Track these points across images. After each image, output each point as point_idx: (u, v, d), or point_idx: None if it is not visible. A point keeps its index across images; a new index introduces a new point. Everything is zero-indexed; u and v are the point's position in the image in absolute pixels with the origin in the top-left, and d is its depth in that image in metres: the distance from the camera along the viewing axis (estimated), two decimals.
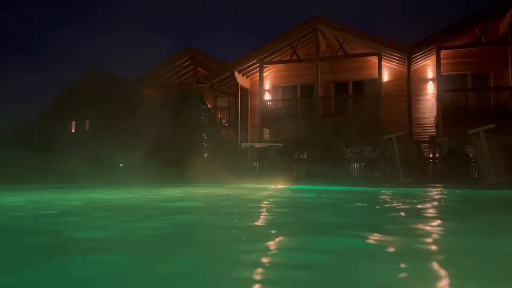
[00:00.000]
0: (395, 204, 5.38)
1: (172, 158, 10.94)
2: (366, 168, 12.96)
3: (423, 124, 18.47)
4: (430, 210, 4.52)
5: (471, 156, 15.33)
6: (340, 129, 12.12)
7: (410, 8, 55.64)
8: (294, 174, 10.80)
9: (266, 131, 19.77)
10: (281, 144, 12.80)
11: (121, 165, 20.19)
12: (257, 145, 13.80)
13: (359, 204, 5.37)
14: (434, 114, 18.20)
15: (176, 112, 12.66)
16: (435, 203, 5.63)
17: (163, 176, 10.77)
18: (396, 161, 10.98)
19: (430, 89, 18.51)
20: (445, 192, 8.35)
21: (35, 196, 6.42)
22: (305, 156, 12.42)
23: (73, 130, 24.43)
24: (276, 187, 9.77)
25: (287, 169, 10.69)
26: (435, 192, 8.21)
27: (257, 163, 13.53)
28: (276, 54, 19.38)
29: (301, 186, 9.96)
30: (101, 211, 4.14)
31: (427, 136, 18.32)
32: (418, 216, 3.86)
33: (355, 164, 13.31)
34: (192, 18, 75.72)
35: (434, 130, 18.01)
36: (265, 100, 19.64)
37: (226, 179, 10.45)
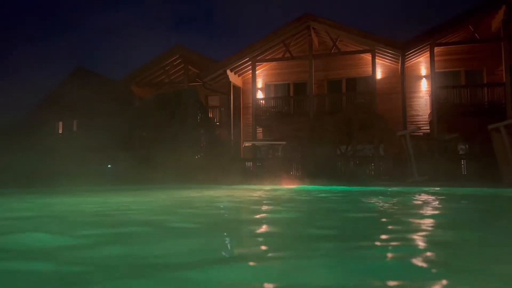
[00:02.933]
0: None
1: (167, 158, 10.60)
2: (368, 165, 12.73)
3: (416, 121, 18.38)
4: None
5: (461, 153, 15.29)
6: (342, 126, 11.89)
7: (403, 5, 55.93)
8: (300, 173, 10.51)
9: (259, 130, 19.49)
10: (284, 143, 12.50)
11: (109, 166, 19.75)
12: (259, 144, 13.46)
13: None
14: (428, 111, 18.13)
15: (170, 111, 12.28)
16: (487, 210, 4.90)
17: (159, 178, 10.40)
18: (410, 158, 10.77)
19: (424, 86, 18.45)
20: (477, 192, 7.89)
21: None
22: (305, 154, 12.10)
23: (60, 131, 23.86)
24: (283, 187, 9.37)
25: (292, 168, 10.40)
26: (466, 193, 7.63)
27: (259, 163, 13.13)
28: (268, 52, 19.12)
29: (316, 186, 9.53)
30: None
31: (421, 134, 18.26)
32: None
33: (359, 161, 13.06)
34: (183, 16, 75.20)
35: (428, 128, 17.94)
36: (258, 98, 19.37)
37: (227, 179, 10.11)
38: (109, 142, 15.32)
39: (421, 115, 18.44)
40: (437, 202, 5.58)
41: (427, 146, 12.09)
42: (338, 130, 11.96)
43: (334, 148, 12.21)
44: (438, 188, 8.44)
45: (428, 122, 17.99)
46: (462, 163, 13.20)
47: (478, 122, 15.73)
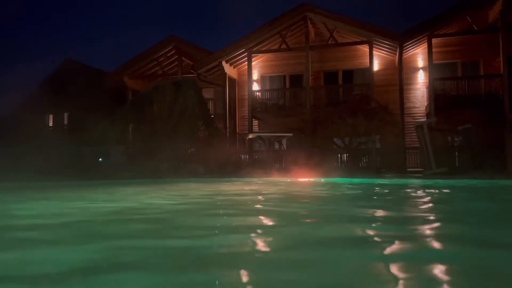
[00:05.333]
0: None
1: (168, 151, 10.29)
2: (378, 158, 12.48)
3: (413, 113, 18.32)
4: None
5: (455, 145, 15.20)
6: (346, 117, 11.67)
7: None
8: (311, 165, 10.24)
9: (255, 122, 19.24)
10: (291, 134, 12.23)
11: (100, 159, 19.36)
12: (264, 136, 13.16)
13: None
14: (425, 103, 18.07)
15: (169, 102, 11.93)
16: None
17: (161, 171, 10.09)
18: (427, 150, 10.59)
19: (421, 78, 18.37)
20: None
21: None
22: (311, 146, 11.76)
23: (50, 124, 23.31)
24: (303, 180, 8.81)
25: (302, 160, 10.15)
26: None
27: (266, 155, 12.71)
28: (264, 43, 18.83)
29: (338, 179, 8.97)
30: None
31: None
32: None
33: (367, 153, 12.82)
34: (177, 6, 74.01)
35: (425, 120, 17.89)
36: (254, 90, 19.09)
37: (235, 172, 9.79)
38: (102, 135, 14.96)
39: (418, 107, 18.37)
40: None
41: (441, 138, 11.88)
42: (343, 121, 11.73)
43: (340, 139, 11.99)
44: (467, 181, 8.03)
45: (425, 114, 17.94)
46: (469, 155, 13.06)
47: (475, 114, 15.72)
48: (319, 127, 11.95)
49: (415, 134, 18.36)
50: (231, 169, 10.37)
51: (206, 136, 12.58)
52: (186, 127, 11.53)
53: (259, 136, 12.90)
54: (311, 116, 13.08)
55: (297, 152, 10.37)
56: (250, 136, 13.40)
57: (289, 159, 10.00)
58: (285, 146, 12.81)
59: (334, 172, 10.09)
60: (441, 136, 12.04)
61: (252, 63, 19.10)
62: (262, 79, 20.18)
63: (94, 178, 8.91)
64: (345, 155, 12.55)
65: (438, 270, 1.47)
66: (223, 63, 18.68)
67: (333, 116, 12.17)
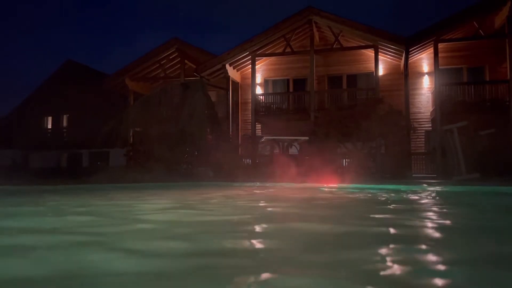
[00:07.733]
0: None
1: (177, 155, 10.04)
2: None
3: (418, 118, 18.18)
4: None
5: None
6: (360, 120, 11.43)
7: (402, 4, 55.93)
8: (329, 170, 9.97)
9: (258, 126, 19.03)
10: (306, 138, 11.99)
11: (98, 163, 19.08)
12: (279, 139, 12.91)
13: None
14: (430, 108, 17.94)
15: (177, 104, 11.68)
16: None
17: (173, 176, 9.82)
18: (457, 155, 10.35)
19: (426, 83, 18.26)
20: None
21: None
22: (326, 150, 11.43)
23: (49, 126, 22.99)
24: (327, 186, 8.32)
25: (319, 165, 9.89)
26: None
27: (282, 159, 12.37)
28: (268, 46, 18.64)
29: (365, 185, 8.49)
30: None
31: (423, 131, 18.09)
32: None
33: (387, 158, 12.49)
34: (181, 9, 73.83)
35: (430, 125, 17.78)
36: (257, 94, 18.90)
37: (249, 177, 9.50)
38: (105, 137, 14.68)
39: (423, 112, 18.25)
40: None
41: (467, 142, 11.62)
42: (357, 125, 11.49)
43: (351, 143, 11.77)
44: None
45: (430, 120, 17.81)
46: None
47: (482, 119, 15.59)
48: (331, 130, 11.72)
49: (419, 139, 18.35)
50: (241, 172, 10.12)
51: (214, 138, 12.33)
52: (195, 130, 11.28)
53: (272, 140, 12.64)
54: (325, 119, 12.85)
55: (313, 156, 10.11)
56: (263, 139, 13.15)
57: (306, 163, 9.73)
58: (297, 149, 12.59)
59: (357, 177, 9.80)
60: (467, 140, 11.81)
61: (256, 66, 18.92)
62: (265, 83, 20.00)
63: (102, 181, 8.64)
64: (358, 159, 12.31)
65: None
66: (227, 66, 18.47)
67: (346, 119, 11.95)
